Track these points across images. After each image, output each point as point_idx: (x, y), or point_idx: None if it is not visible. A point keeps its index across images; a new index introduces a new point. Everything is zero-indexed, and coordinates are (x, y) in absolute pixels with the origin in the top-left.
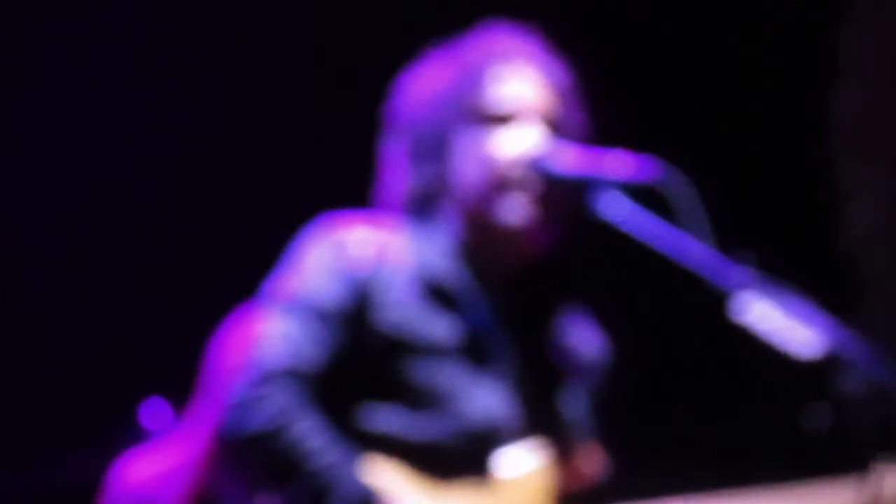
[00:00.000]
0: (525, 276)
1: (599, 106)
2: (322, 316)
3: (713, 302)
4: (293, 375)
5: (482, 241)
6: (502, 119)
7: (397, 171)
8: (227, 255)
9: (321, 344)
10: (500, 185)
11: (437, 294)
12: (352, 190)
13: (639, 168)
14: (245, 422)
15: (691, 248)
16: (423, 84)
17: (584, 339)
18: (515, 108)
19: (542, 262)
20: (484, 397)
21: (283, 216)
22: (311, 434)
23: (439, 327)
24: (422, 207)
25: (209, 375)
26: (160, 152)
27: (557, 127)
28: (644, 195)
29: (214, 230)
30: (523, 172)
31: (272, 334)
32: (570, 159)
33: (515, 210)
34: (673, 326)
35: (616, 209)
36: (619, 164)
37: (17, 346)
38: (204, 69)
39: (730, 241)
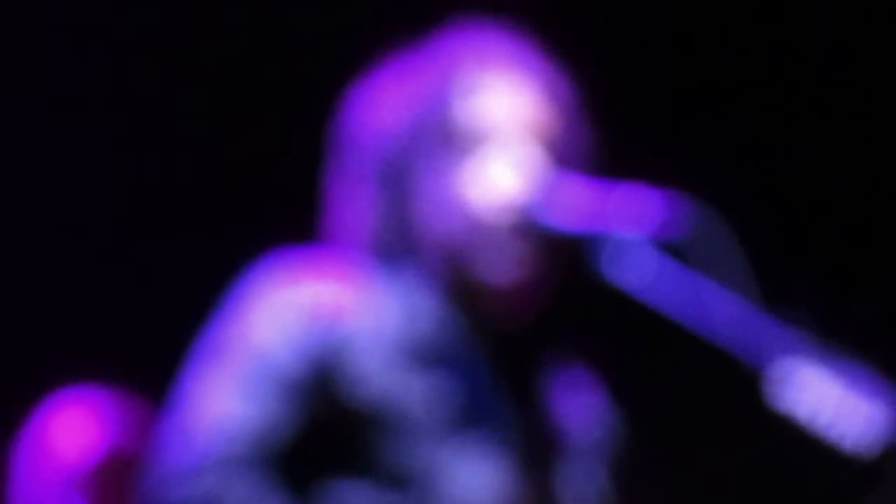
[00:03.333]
0: (517, 332)
1: (604, 123)
2: (277, 384)
3: (748, 380)
4: (245, 461)
5: (461, 294)
6: (478, 140)
7: (354, 202)
8: (142, 301)
9: (277, 419)
10: (482, 234)
11: (419, 354)
12: (295, 222)
13: (659, 211)
14: None
15: (724, 308)
16: (379, 97)
17: (586, 404)
18: (496, 126)
19: (533, 318)
20: (472, 474)
21: (207, 256)
22: None
23: (420, 393)
24: (387, 249)
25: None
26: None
27: (553, 150)
28: (667, 245)
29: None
30: (513, 220)
31: (215, 409)
32: (572, 204)
33: (502, 266)
34: (698, 410)
35: (629, 268)
36: (633, 207)
37: None
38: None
39: (775, 291)
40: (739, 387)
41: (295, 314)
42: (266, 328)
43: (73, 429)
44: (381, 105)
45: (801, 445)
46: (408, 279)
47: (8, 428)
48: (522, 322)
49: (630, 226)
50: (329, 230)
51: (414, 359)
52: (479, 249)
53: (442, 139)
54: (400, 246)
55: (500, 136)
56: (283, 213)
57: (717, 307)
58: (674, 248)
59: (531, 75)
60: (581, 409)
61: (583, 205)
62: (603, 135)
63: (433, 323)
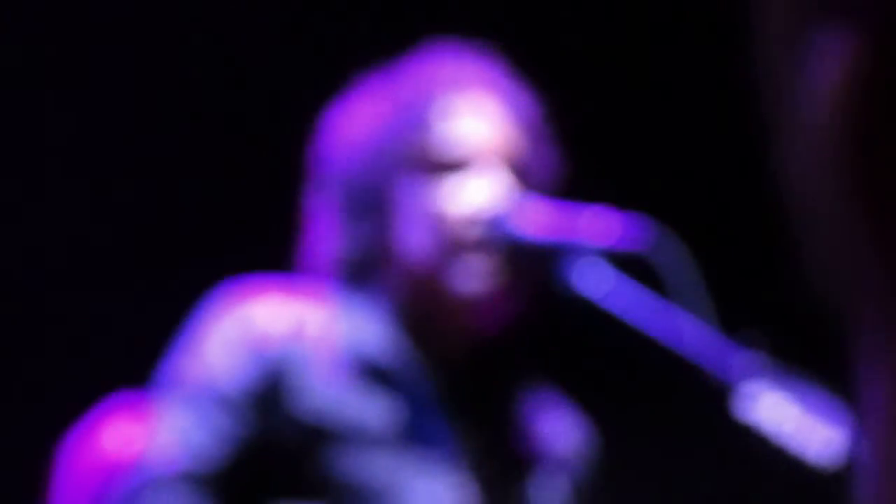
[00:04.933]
0: (479, 353)
1: (570, 148)
2: (224, 404)
3: (712, 395)
4: (187, 480)
5: (427, 313)
6: (453, 166)
7: (323, 230)
8: (105, 334)
9: (223, 438)
10: (452, 247)
11: (369, 373)
12: (265, 252)
13: (622, 231)
14: None
15: (686, 329)
16: (353, 122)
17: (554, 425)
18: (469, 152)
19: (499, 336)
20: (429, 493)
21: (178, 284)
22: None
23: (371, 412)
24: (355, 274)
25: (65, 485)
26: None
27: (522, 173)
28: (628, 264)
29: (88, 301)
30: (481, 232)
31: (162, 431)
32: (538, 219)
33: (472, 277)
34: (664, 425)
35: (593, 281)
36: (596, 225)
37: None
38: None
39: (733, 318)
40: (702, 401)
41: (240, 330)
42: (212, 349)
43: (119, 433)
44: (352, 127)
45: (767, 462)
46: (365, 301)
47: (55, 434)
48: (486, 338)
49: (592, 240)
50: (299, 256)
51: (363, 377)
52: (449, 263)
53: (416, 162)
54: (365, 266)
55: (473, 160)
56: (262, 240)
57: (675, 325)
58: (633, 267)
59: (502, 98)
60: (548, 428)
61: (548, 220)
62: (567, 156)
63: (384, 344)
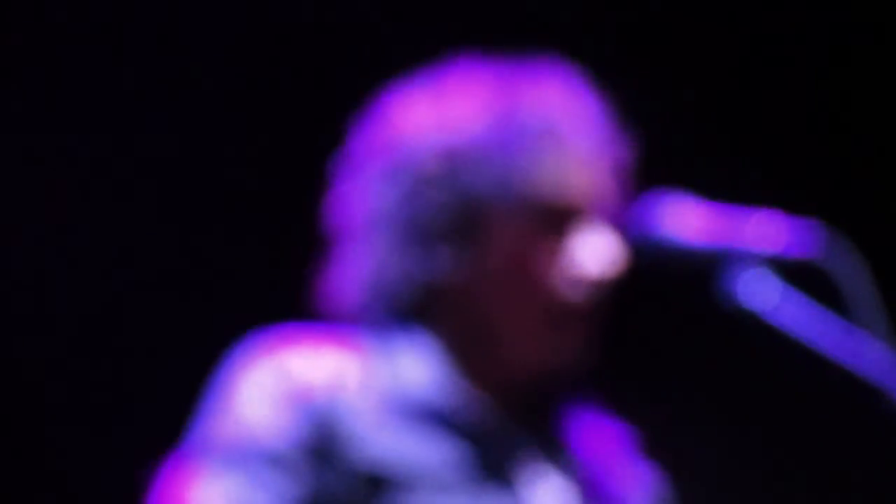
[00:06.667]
0: (540, 381)
1: (738, 149)
2: (276, 462)
3: (889, 417)
4: None
5: (491, 363)
6: (561, 215)
7: (362, 256)
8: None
9: (282, 499)
10: (549, 317)
11: (423, 415)
12: (280, 296)
13: (790, 236)
14: None
15: (860, 344)
16: (420, 121)
17: (620, 457)
18: (576, 201)
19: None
20: None
21: (197, 335)
22: None
23: (430, 454)
24: (400, 308)
25: None
26: None
27: (614, 222)
28: (796, 273)
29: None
30: (584, 297)
31: (212, 496)
32: (697, 224)
33: (561, 352)
34: (835, 447)
35: (759, 292)
36: (762, 230)
37: None
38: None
39: None
40: (877, 420)
41: (281, 385)
42: (250, 404)
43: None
44: (427, 126)
45: None
46: (408, 339)
47: None
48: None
49: (757, 247)
50: (323, 286)
51: (415, 420)
52: (540, 333)
53: (525, 202)
54: (417, 300)
55: (578, 210)
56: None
57: (848, 340)
58: (802, 276)
59: (605, 140)
60: (608, 449)
61: (708, 225)
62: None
63: (435, 383)
